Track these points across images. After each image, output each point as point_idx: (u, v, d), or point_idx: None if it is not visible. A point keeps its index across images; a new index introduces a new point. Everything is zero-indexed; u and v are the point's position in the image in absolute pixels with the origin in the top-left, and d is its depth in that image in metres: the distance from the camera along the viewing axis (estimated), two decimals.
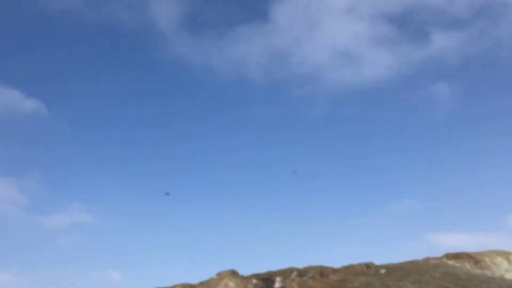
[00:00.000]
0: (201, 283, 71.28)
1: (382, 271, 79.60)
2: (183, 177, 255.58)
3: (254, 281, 72.57)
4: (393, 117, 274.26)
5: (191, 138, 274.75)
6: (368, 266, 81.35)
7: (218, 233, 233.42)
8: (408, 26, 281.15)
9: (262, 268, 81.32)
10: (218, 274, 71.74)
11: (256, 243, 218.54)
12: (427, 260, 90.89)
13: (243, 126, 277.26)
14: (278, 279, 74.16)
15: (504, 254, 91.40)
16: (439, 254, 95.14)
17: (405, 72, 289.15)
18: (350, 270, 78.72)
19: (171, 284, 70.28)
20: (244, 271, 73.28)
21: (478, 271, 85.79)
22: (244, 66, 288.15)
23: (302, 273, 75.85)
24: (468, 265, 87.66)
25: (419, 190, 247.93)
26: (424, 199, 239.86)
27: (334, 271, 77.17)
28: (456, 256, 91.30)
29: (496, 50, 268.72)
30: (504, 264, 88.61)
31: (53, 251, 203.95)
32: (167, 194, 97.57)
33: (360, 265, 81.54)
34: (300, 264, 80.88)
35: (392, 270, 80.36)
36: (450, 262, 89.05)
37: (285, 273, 75.62)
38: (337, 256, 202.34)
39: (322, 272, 76.46)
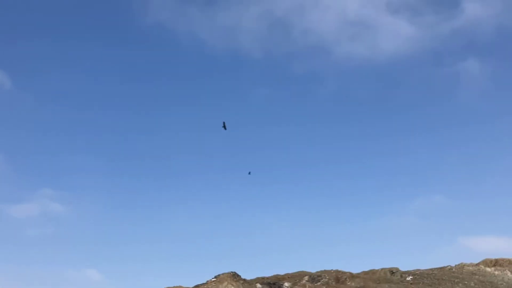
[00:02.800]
0: (197, 287, 62.56)
1: (409, 278, 69.50)
2: (171, 164, 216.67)
3: (259, 285, 63.66)
4: (414, 99, 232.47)
5: (176, 122, 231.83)
6: (393, 272, 71.30)
7: (216, 230, 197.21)
8: None
9: (269, 272, 71.56)
10: (217, 277, 62.98)
11: (262, 244, 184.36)
12: (461, 266, 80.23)
13: (237, 112, 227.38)
14: (286, 284, 65.05)
15: None
16: (475, 260, 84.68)
17: (428, 46, 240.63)
18: (371, 276, 68.86)
19: (161, 286, 61.86)
20: (247, 274, 64.38)
21: None
22: (238, 37, 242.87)
23: (314, 278, 66.48)
24: (509, 273, 76.61)
25: (450, 185, 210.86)
26: (456, 195, 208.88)
27: (353, 276, 67.44)
28: (496, 262, 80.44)
29: None
30: None
31: (22, 244, 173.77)
32: (249, 173, 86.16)
33: (383, 270, 71.60)
34: (313, 268, 71.47)
35: (420, 277, 70.12)
36: (489, 269, 78.15)
37: (295, 278, 66.43)
38: (356, 260, 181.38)
39: (338, 277, 66.87)
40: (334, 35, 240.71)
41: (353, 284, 64.79)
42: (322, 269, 69.98)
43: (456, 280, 69.78)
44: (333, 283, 65.24)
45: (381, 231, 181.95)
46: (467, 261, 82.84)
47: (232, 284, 61.68)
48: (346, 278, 66.74)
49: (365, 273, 71.34)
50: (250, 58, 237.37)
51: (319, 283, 65.10)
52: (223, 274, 63.38)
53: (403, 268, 74.59)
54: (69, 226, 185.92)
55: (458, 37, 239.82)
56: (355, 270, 71.03)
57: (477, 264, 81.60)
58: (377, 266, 73.81)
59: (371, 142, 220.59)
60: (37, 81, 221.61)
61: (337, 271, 68.79)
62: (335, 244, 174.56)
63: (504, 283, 72.09)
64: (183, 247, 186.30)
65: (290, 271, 69.28)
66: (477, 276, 74.16)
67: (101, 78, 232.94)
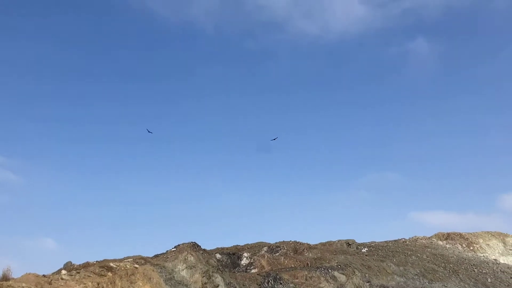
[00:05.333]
0: (157, 256, 62.41)
1: (364, 250, 71.41)
2: (119, 130, 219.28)
3: (218, 255, 63.99)
4: (364, 77, 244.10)
5: (120, 93, 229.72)
6: (349, 243, 73.08)
7: (176, 200, 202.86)
8: None
9: (229, 243, 72.17)
10: (177, 247, 62.80)
11: (221, 216, 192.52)
12: (415, 239, 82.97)
13: (186, 90, 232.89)
14: (245, 254, 65.57)
15: (500, 236, 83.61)
16: (426, 233, 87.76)
17: (379, 26, 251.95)
18: (328, 248, 70.39)
19: (120, 256, 61.38)
20: (207, 245, 64.67)
21: (470, 254, 77.82)
22: (191, 10, 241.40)
23: (273, 249, 67.30)
24: (460, 247, 79.73)
25: (401, 163, 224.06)
26: (406, 172, 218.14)
27: (310, 247, 68.69)
28: (448, 236, 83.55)
29: (487, 2, 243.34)
30: (500, 246, 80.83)
31: None
32: (149, 132, 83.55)
33: (339, 242, 73.28)
34: (272, 240, 72.59)
35: (375, 249, 72.16)
36: (441, 243, 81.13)
37: (254, 248, 67.08)
38: (313, 233, 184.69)
39: (296, 248, 67.96)
40: (287, 12, 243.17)
41: (310, 254, 65.97)
42: (281, 240, 71.17)
43: (409, 253, 72.04)
44: (291, 253, 66.24)
45: (336, 205, 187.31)
46: (420, 235, 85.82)
47: (191, 254, 61.56)
48: (304, 249, 67.93)
49: (322, 244, 72.84)
50: (203, 33, 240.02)
51: (277, 254, 65.99)
52: (182, 244, 63.17)
53: (359, 240, 76.67)
54: (23, 195, 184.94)
55: (408, 17, 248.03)
56: (313, 242, 72.59)
57: (430, 238, 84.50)
58: (334, 239, 75.61)
59: (325, 118, 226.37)
60: None
61: (295, 242, 69.92)
62: (294, 217, 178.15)
63: (455, 256, 74.93)
64: (141, 216, 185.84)
65: (250, 242, 70.27)
66: (429, 249, 76.79)
67: (47, 46, 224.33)
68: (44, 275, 36.58)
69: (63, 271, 38.36)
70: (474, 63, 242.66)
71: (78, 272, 37.25)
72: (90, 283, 34.92)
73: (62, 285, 34.65)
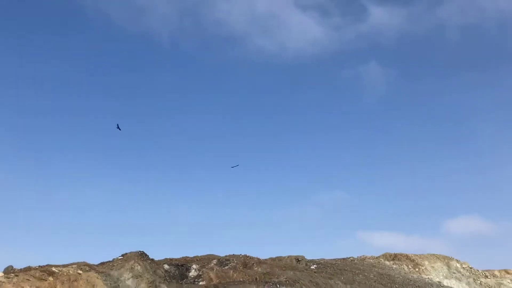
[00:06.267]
0: (102, 264, 60.77)
1: (313, 266, 71.69)
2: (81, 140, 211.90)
3: (166, 266, 62.94)
4: (316, 98, 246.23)
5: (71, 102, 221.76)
6: (298, 259, 73.29)
7: (124, 208, 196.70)
8: None
9: (177, 254, 70.96)
10: (124, 255, 61.39)
11: (171, 226, 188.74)
12: (363, 258, 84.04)
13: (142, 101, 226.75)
14: (194, 266, 64.76)
15: (445, 259, 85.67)
16: (373, 253, 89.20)
17: (334, 48, 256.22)
18: (277, 263, 70.32)
19: (65, 261, 59.42)
20: (155, 255, 63.43)
21: (415, 275, 79.34)
22: (148, 20, 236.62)
23: (222, 262, 66.73)
24: (406, 268, 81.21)
25: (350, 183, 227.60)
26: (355, 192, 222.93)
27: (260, 262, 68.42)
28: (395, 256, 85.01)
29: (440, 32, 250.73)
30: (444, 270, 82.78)
31: None
32: (118, 127, 79.07)
33: (289, 258, 73.43)
34: (222, 252, 71.95)
35: (324, 266, 72.55)
36: (388, 263, 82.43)
37: (203, 260, 66.31)
38: (263, 248, 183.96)
39: (246, 262, 67.58)
40: (245, 28, 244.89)
41: (260, 269, 65.70)
42: (231, 253, 70.62)
43: (357, 271, 72.78)
44: (241, 267, 65.83)
45: (287, 222, 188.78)
46: (367, 254, 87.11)
47: (138, 264, 60.38)
48: (253, 264, 67.61)
49: (272, 259, 72.72)
50: (159, 45, 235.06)
51: (227, 267, 65.46)
52: (130, 253, 61.86)
53: (308, 257, 76.95)
54: None
55: (362, 40, 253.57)
56: (262, 257, 72.37)
57: (377, 257, 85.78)
58: (283, 254, 75.68)
59: (279, 138, 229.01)
60: None
61: (245, 256, 69.54)
62: (244, 231, 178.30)
63: (401, 276, 76.21)
64: (89, 222, 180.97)
65: (199, 254, 69.41)
66: (376, 269, 77.85)
67: None
68: None
69: (0, 274, 36.64)
70: (425, 91, 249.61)
71: (17, 275, 35.68)
72: (28, 287, 33.50)
73: None
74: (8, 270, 48.40)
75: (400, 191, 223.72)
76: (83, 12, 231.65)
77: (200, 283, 60.25)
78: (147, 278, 50.14)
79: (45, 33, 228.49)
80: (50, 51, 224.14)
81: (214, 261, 66.49)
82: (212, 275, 62.83)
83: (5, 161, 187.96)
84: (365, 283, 67.79)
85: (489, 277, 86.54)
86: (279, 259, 72.90)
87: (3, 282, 33.31)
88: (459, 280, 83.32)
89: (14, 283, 33.68)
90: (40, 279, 35.68)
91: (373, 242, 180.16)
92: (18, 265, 49.53)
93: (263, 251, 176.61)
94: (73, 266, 60.25)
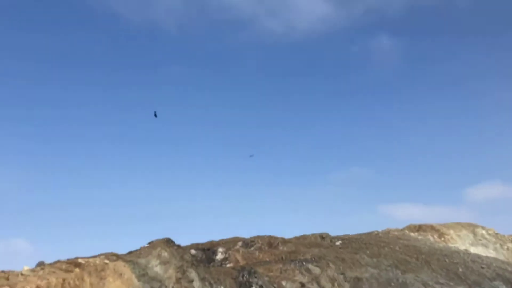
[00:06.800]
0: (130, 253, 61.72)
1: (338, 242, 71.85)
2: (106, 134, 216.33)
3: (193, 251, 63.60)
4: (328, 75, 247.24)
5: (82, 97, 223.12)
6: (323, 237, 73.47)
7: (150, 196, 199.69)
8: None
9: (202, 239, 71.75)
10: (150, 243, 62.24)
11: (195, 211, 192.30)
12: (387, 231, 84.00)
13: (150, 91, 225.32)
14: (220, 249, 65.41)
15: (470, 227, 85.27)
16: (395, 225, 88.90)
17: (343, 24, 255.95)
18: (302, 241, 70.63)
19: (94, 253, 60.50)
20: (182, 241, 64.14)
21: (441, 245, 79.15)
22: (154, 10, 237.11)
23: (248, 243, 67.23)
24: (431, 238, 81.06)
25: (367, 158, 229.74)
26: (373, 167, 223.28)
27: (284, 241, 68.84)
28: (419, 228, 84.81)
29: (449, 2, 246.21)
30: (470, 237, 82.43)
31: None
32: (155, 115, 78.22)
33: (313, 235, 73.60)
34: (247, 234, 72.51)
35: (349, 242, 72.68)
36: (413, 234, 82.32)
37: (229, 243, 66.89)
38: (287, 227, 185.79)
39: (271, 242, 68.03)
40: (252, 10, 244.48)
41: (285, 248, 66.21)
42: (256, 235, 71.17)
43: (382, 244, 72.81)
44: (266, 248, 66.39)
45: (309, 200, 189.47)
46: (391, 227, 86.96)
47: (165, 250, 61.02)
48: (278, 243, 68.09)
49: (296, 238, 73.08)
50: (166, 33, 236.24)
51: (252, 248, 66.05)
52: (156, 240, 62.60)
53: (332, 234, 77.10)
54: None
55: (371, 14, 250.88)
56: (287, 236, 72.73)
57: (402, 230, 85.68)
58: (308, 232, 75.87)
59: (293, 115, 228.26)
60: None
61: (270, 237, 70.00)
62: (268, 212, 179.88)
63: (427, 247, 76.08)
64: (115, 213, 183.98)
65: (224, 238, 70.07)
66: (402, 241, 77.80)
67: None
68: (2, 271, 35.10)
69: (25, 267, 37.15)
70: (437, 60, 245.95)
71: (43, 268, 36.24)
72: (54, 279, 33.87)
73: (21, 280, 33.38)
74: (40, 266, 49.54)
75: (417, 162, 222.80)
76: (88, 5, 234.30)
77: (227, 265, 60.97)
78: (175, 264, 50.75)
79: (45, 30, 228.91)
80: (51, 49, 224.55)
81: (240, 243, 67.06)
82: (238, 256, 63.52)
83: (32, 156, 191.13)
84: (391, 255, 67.87)
85: None
86: (304, 237, 73.19)
87: (28, 275, 33.85)
88: (486, 246, 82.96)
89: (39, 276, 34.11)
90: (67, 271, 36.06)
91: (395, 215, 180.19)
92: (50, 261, 50.73)
93: (287, 231, 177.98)
94: (101, 256, 61.32)
